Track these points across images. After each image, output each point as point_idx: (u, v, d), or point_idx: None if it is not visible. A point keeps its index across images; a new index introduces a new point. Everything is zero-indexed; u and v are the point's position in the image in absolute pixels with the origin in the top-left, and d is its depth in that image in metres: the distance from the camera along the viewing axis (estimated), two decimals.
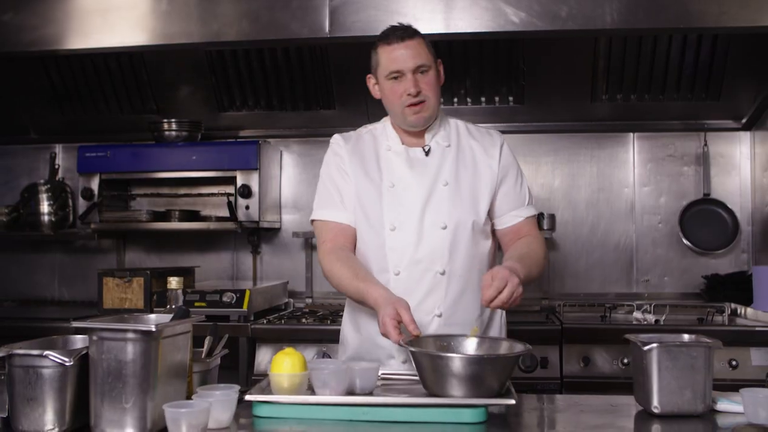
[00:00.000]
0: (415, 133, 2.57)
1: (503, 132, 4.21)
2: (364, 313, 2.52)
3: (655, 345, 1.95)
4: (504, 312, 2.62)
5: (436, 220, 2.47)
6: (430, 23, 3.60)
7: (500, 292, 2.19)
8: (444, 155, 2.55)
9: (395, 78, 2.46)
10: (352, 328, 2.62)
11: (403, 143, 2.58)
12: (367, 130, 2.67)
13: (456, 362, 1.91)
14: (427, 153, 2.56)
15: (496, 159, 2.57)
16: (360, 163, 2.57)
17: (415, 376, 2.17)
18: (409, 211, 2.48)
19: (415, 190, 2.50)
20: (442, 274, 2.46)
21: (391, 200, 2.50)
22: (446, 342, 2.18)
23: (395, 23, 3.55)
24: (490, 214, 2.57)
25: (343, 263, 2.49)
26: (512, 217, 2.58)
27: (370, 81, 2.59)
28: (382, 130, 2.64)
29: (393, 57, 2.46)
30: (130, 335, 1.76)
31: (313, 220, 2.63)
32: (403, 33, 2.46)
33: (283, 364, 2.00)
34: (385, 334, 2.22)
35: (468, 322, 2.43)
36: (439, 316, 2.45)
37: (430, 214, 2.47)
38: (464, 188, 2.52)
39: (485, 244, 2.57)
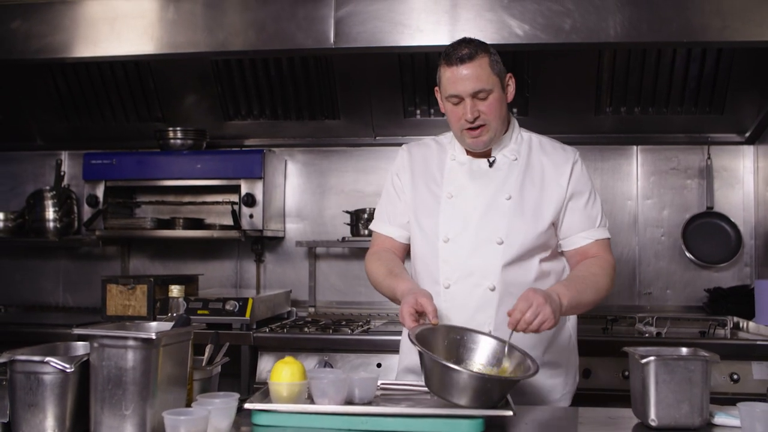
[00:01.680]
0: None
1: None
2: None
3: (652, 358, 1.95)
4: (570, 326, 2.61)
5: (492, 235, 2.41)
6: (434, 35, 3.62)
7: (524, 314, 2.11)
8: (510, 169, 2.49)
9: (454, 101, 2.40)
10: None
11: (468, 154, 2.53)
12: (435, 140, 2.65)
13: (462, 376, 1.93)
14: (491, 164, 2.50)
15: (566, 176, 2.48)
16: (422, 171, 2.56)
17: (414, 386, 2.18)
18: (465, 223, 2.44)
19: (473, 202, 2.45)
20: (492, 290, 2.40)
21: (449, 211, 2.47)
22: (459, 336, 2.18)
23: (402, 34, 3.66)
24: (558, 234, 2.51)
25: (381, 262, 2.53)
26: (580, 238, 2.49)
27: (437, 93, 2.51)
28: (450, 139, 2.59)
29: (452, 80, 2.38)
30: (131, 343, 1.78)
31: (371, 230, 2.72)
32: (464, 54, 2.36)
33: (282, 373, 2.01)
34: (401, 322, 2.21)
35: (520, 342, 2.27)
36: (489, 333, 2.33)
37: (486, 227, 2.42)
38: (528, 204, 2.44)
39: (549, 263, 2.50)
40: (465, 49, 2.37)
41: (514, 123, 2.58)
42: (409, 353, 2.52)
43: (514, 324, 2.12)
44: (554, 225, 2.49)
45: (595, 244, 2.50)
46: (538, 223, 2.43)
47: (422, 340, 2.06)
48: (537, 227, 2.43)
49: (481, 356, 2.19)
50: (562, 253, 2.56)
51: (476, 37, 3.49)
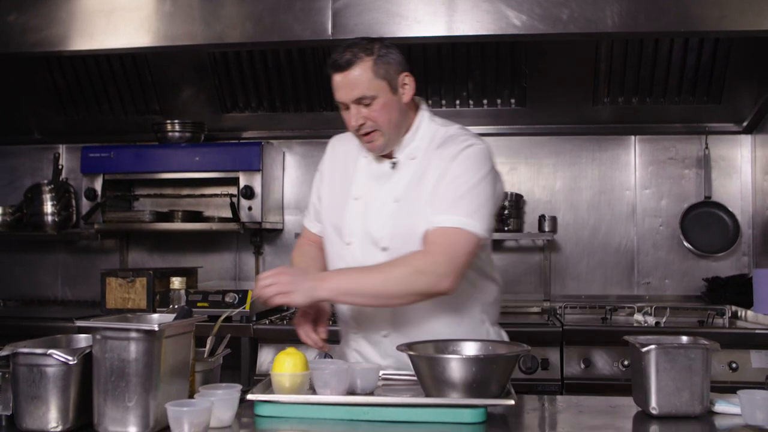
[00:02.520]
0: None
1: (505, 135, 4.36)
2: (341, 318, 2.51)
3: (653, 346, 1.96)
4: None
5: (379, 241, 2.33)
6: (432, 26, 3.62)
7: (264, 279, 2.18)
8: (408, 170, 2.36)
9: (343, 107, 2.31)
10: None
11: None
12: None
13: (454, 364, 1.93)
14: (393, 166, 2.39)
15: (442, 166, 2.29)
16: (340, 170, 2.50)
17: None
18: (362, 227, 2.37)
19: (372, 206, 2.37)
20: None
21: (352, 213, 2.40)
22: (444, 346, 2.18)
23: (399, 25, 3.65)
24: None
25: (303, 257, 2.56)
26: (429, 223, 2.26)
27: None
28: None
29: (334, 87, 2.29)
30: (134, 334, 1.78)
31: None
32: (342, 61, 2.24)
33: (284, 364, 2.02)
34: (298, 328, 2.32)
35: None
36: (386, 336, 2.36)
37: (375, 234, 2.34)
38: (415, 207, 2.30)
39: (468, 279, 2.34)
40: (346, 55, 2.24)
41: (422, 118, 2.42)
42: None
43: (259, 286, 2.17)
44: None
45: (432, 232, 2.23)
46: (417, 226, 2.26)
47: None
48: (417, 230, 2.26)
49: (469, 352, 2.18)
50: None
51: (474, 28, 3.54)
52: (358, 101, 2.26)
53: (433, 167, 2.31)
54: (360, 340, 2.44)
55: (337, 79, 2.27)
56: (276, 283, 2.15)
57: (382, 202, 2.36)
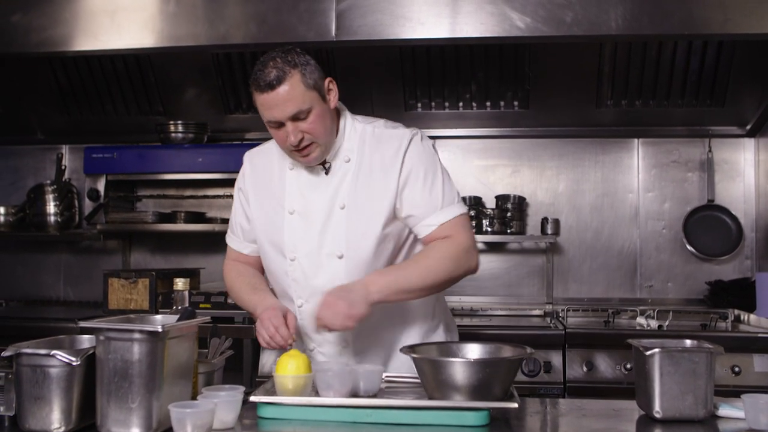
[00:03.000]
0: None
1: (508, 137, 4.36)
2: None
3: (657, 350, 1.95)
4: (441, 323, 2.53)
5: (333, 249, 2.29)
6: (435, 28, 3.62)
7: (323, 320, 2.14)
8: (344, 173, 2.32)
9: (274, 126, 2.22)
10: None
11: None
12: (276, 145, 2.36)
13: (458, 367, 1.92)
14: (327, 171, 2.34)
15: (397, 168, 2.28)
16: (265, 184, 2.41)
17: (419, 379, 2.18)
18: (308, 240, 2.32)
19: (313, 216, 2.32)
20: None
21: (292, 228, 2.34)
22: (448, 348, 2.18)
23: (403, 27, 3.65)
24: (408, 225, 2.35)
25: (242, 277, 2.47)
26: (423, 227, 2.31)
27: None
28: None
29: (265, 106, 2.18)
30: (137, 336, 1.78)
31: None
32: (271, 81, 2.14)
33: (287, 366, 2.01)
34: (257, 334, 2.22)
35: (379, 352, 2.38)
36: (346, 347, 2.36)
37: (327, 243, 2.30)
38: (363, 210, 2.29)
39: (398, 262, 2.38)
40: (272, 71, 2.15)
41: (346, 118, 2.39)
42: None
43: (319, 328, 2.17)
44: (396, 221, 2.33)
45: (440, 229, 2.30)
46: (374, 230, 2.28)
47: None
48: (374, 234, 2.28)
49: (472, 355, 2.18)
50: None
51: (478, 30, 3.53)
52: (294, 117, 2.18)
53: (377, 167, 2.30)
54: (317, 356, 2.41)
55: (267, 98, 2.16)
56: (336, 313, 2.11)
57: (325, 211, 2.31)
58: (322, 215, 2.31)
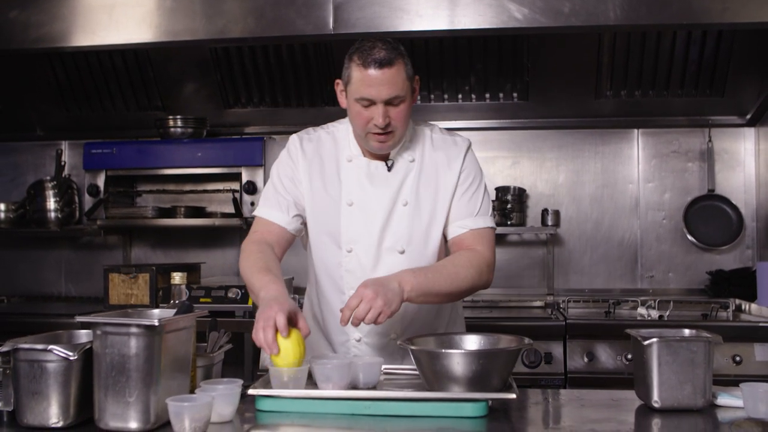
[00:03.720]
0: None
1: (508, 128, 4.36)
2: (333, 324, 2.41)
3: (655, 339, 1.95)
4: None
5: (394, 244, 2.34)
6: (434, 20, 3.61)
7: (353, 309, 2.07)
8: (407, 171, 2.39)
9: (364, 104, 2.25)
10: (323, 338, 2.51)
11: (364, 155, 2.41)
12: (328, 132, 2.48)
13: (456, 358, 1.92)
14: (389, 168, 2.39)
15: (457, 169, 2.40)
16: (319, 173, 2.41)
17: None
18: (367, 233, 2.35)
19: (374, 210, 2.35)
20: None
21: (349, 219, 2.36)
22: (447, 340, 2.18)
23: (401, 19, 3.64)
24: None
25: (262, 254, 2.32)
26: (456, 227, 2.39)
27: (338, 87, 2.36)
28: (345, 135, 2.46)
29: (366, 83, 2.22)
30: (134, 330, 1.77)
31: (255, 215, 2.49)
32: (382, 60, 2.20)
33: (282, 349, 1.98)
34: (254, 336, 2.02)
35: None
36: (395, 339, 2.37)
37: (388, 237, 2.35)
38: (425, 209, 2.37)
39: None
40: (383, 52, 2.21)
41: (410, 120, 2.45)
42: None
43: (345, 321, 2.08)
44: None
45: (470, 234, 2.38)
46: (434, 228, 2.37)
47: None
48: (436, 233, 2.37)
49: (470, 346, 2.18)
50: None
51: (476, 21, 3.53)
52: (389, 101, 2.23)
53: (439, 169, 2.39)
54: (362, 346, 2.42)
55: (373, 75, 2.20)
56: (372, 307, 2.06)
57: (387, 206, 2.35)
58: (384, 210, 2.35)
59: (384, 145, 2.31)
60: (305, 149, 2.45)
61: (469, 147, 2.45)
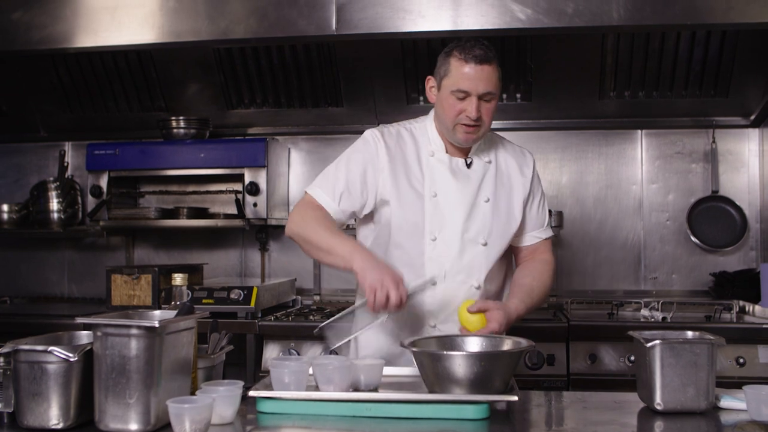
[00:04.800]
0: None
1: (511, 129, 4.35)
2: (400, 319, 2.46)
3: (657, 342, 1.94)
4: None
5: (477, 236, 2.48)
6: (437, 20, 3.60)
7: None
8: (485, 171, 2.55)
9: (460, 95, 2.41)
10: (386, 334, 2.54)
11: (446, 152, 2.55)
12: (406, 130, 2.60)
13: (458, 360, 1.92)
14: (469, 165, 2.54)
15: (529, 178, 2.61)
16: (401, 164, 2.52)
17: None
18: (451, 223, 2.47)
19: (457, 202, 2.49)
20: (477, 288, 2.47)
21: (434, 210, 2.48)
22: (449, 342, 2.18)
23: (404, 20, 3.64)
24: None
25: (324, 218, 2.46)
26: (532, 237, 2.62)
27: (429, 83, 2.54)
28: (423, 132, 2.59)
29: (467, 76, 2.39)
30: (134, 331, 1.77)
31: (306, 192, 2.55)
32: (482, 57, 2.38)
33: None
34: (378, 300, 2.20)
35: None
36: (433, 327, 2.48)
37: (472, 229, 2.48)
38: (501, 206, 2.54)
39: (509, 261, 2.65)
40: (484, 51, 2.40)
41: None
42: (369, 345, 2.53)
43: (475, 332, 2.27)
44: None
45: (542, 243, 2.64)
46: (511, 225, 2.55)
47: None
48: (511, 228, 2.55)
49: (472, 348, 2.17)
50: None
51: (479, 22, 3.53)
52: (483, 96, 2.40)
53: (514, 174, 2.59)
54: (436, 332, 2.45)
55: (474, 69, 2.38)
56: (496, 328, 2.29)
57: (469, 201, 2.50)
58: (466, 203, 2.49)
59: (470, 137, 2.46)
60: (387, 141, 2.55)
61: (534, 160, 2.69)
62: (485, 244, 2.48)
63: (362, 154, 2.53)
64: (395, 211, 2.50)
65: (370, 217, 2.59)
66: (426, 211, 2.48)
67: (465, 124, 2.42)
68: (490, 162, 2.57)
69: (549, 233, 2.66)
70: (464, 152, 2.56)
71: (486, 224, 2.50)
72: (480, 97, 2.40)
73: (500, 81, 2.45)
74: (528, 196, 2.59)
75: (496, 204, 2.52)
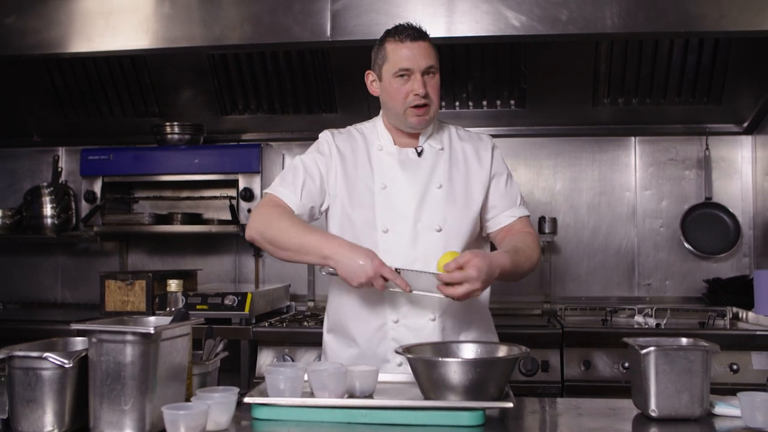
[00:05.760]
0: (408, 134, 2.56)
1: (505, 136, 4.36)
2: (356, 322, 2.50)
3: (652, 348, 1.95)
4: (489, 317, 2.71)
5: (431, 223, 2.47)
6: (431, 27, 3.52)
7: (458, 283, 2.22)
8: (437, 158, 2.55)
9: (402, 76, 2.44)
10: (340, 339, 2.58)
11: (395, 143, 2.57)
12: (357, 130, 2.64)
13: (453, 367, 1.92)
14: (419, 154, 2.55)
15: (488, 161, 2.58)
16: (351, 161, 2.55)
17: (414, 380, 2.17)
18: (402, 213, 2.47)
19: (408, 192, 2.49)
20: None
21: (384, 202, 2.49)
22: (444, 348, 2.18)
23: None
24: (482, 217, 2.58)
25: (289, 215, 2.45)
26: (506, 217, 2.58)
27: (369, 77, 2.57)
28: (372, 129, 2.63)
29: (404, 55, 2.43)
30: (129, 337, 1.77)
31: (266, 192, 2.56)
32: (416, 34, 2.45)
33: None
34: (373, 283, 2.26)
35: (461, 326, 2.50)
36: (433, 320, 2.46)
37: (424, 217, 2.47)
38: (458, 191, 2.52)
39: (479, 247, 2.58)
40: (413, 29, 2.46)
41: None
42: (341, 356, 2.52)
43: (443, 286, 2.24)
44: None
45: (519, 221, 2.60)
46: (470, 209, 2.53)
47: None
48: (470, 213, 2.52)
49: (467, 354, 2.17)
50: (485, 237, 2.64)
51: (473, 29, 3.55)
52: (427, 70, 2.44)
53: (469, 158, 2.58)
54: (399, 328, 2.46)
55: (411, 46, 2.43)
56: (471, 290, 2.22)
57: (420, 189, 2.49)
58: (417, 192, 2.49)
59: (423, 119, 2.48)
60: (337, 142, 2.59)
61: (493, 142, 2.65)
62: (439, 230, 2.46)
63: (316, 153, 2.58)
64: (346, 208, 2.52)
65: (325, 218, 2.61)
66: (376, 203, 2.49)
67: (414, 107, 2.45)
68: (442, 149, 2.57)
69: (524, 211, 2.62)
70: (414, 143, 2.57)
71: (439, 210, 2.48)
72: (423, 73, 2.43)
73: (438, 56, 2.49)
74: (489, 178, 2.57)
75: (451, 190, 2.51)
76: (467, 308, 2.51)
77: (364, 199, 2.51)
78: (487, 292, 2.58)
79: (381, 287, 2.27)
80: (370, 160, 2.56)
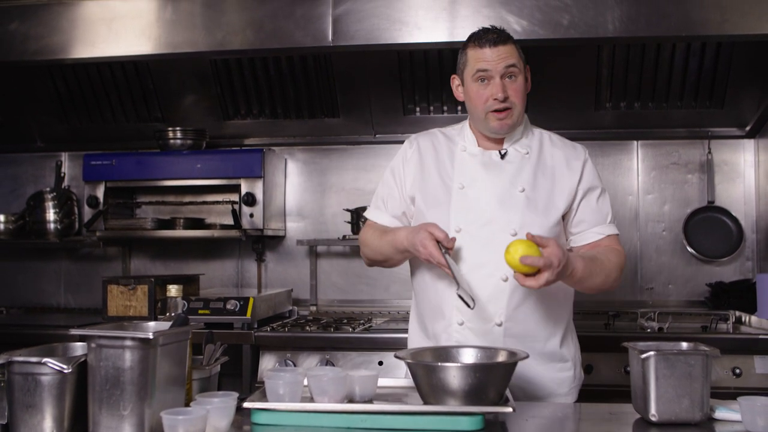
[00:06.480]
0: (494, 139, 2.53)
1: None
2: (429, 319, 2.53)
3: (652, 353, 1.94)
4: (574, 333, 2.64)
5: (506, 226, 2.41)
6: (433, 32, 3.62)
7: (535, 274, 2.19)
8: (522, 162, 2.50)
9: (482, 80, 2.42)
10: (419, 330, 2.60)
11: (479, 146, 2.54)
12: (442, 132, 2.64)
13: (452, 371, 1.92)
14: (503, 156, 2.51)
15: (578, 172, 2.51)
16: (432, 161, 2.55)
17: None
18: (477, 214, 2.44)
19: (486, 193, 2.46)
20: (505, 281, 2.39)
21: (460, 202, 2.46)
22: (443, 353, 2.18)
23: (400, 31, 3.65)
24: (566, 230, 2.53)
25: (375, 229, 2.58)
26: (593, 234, 2.51)
27: (454, 82, 2.56)
28: (459, 131, 2.61)
29: (483, 57, 2.41)
30: (128, 343, 1.77)
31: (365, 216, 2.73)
32: (496, 38, 2.42)
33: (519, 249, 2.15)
34: (427, 256, 2.28)
35: (530, 334, 2.44)
36: (500, 325, 2.41)
37: (501, 219, 2.42)
38: (540, 197, 2.46)
39: None
40: (497, 34, 2.44)
41: (526, 118, 2.59)
42: (420, 344, 2.53)
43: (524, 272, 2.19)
44: (563, 219, 2.51)
45: (606, 240, 2.52)
46: (550, 217, 2.45)
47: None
48: (549, 220, 2.45)
49: (467, 359, 2.17)
50: (569, 249, 2.54)
51: None
52: (506, 73, 2.42)
53: (558, 166, 2.51)
54: (464, 330, 2.43)
55: (490, 51, 2.41)
56: (546, 280, 2.18)
57: (500, 191, 2.46)
58: (497, 194, 2.45)
59: (503, 123, 2.44)
60: (420, 144, 2.61)
61: (587, 154, 2.58)
62: (514, 234, 2.37)
63: (396, 160, 2.64)
64: (421, 207, 2.53)
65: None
66: (452, 203, 2.47)
67: (495, 111, 2.42)
68: (527, 154, 2.51)
69: (613, 230, 2.53)
70: (499, 146, 2.53)
71: (518, 214, 2.42)
72: (503, 76, 2.41)
73: (521, 59, 2.46)
74: (577, 189, 2.49)
75: (533, 195, 2.45)
76: (531, 312, 2.46)
77: (440, 198, 2.49)
78: (569, 304, 2.59)
79: (435, 255, 2.27)
80: (453, 160, 2.55)
